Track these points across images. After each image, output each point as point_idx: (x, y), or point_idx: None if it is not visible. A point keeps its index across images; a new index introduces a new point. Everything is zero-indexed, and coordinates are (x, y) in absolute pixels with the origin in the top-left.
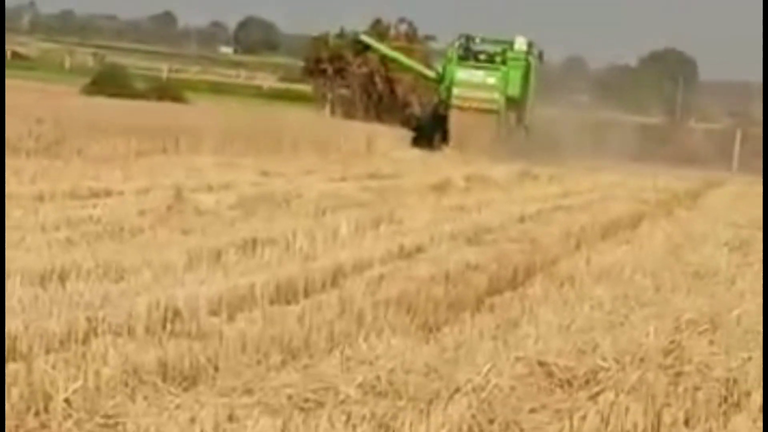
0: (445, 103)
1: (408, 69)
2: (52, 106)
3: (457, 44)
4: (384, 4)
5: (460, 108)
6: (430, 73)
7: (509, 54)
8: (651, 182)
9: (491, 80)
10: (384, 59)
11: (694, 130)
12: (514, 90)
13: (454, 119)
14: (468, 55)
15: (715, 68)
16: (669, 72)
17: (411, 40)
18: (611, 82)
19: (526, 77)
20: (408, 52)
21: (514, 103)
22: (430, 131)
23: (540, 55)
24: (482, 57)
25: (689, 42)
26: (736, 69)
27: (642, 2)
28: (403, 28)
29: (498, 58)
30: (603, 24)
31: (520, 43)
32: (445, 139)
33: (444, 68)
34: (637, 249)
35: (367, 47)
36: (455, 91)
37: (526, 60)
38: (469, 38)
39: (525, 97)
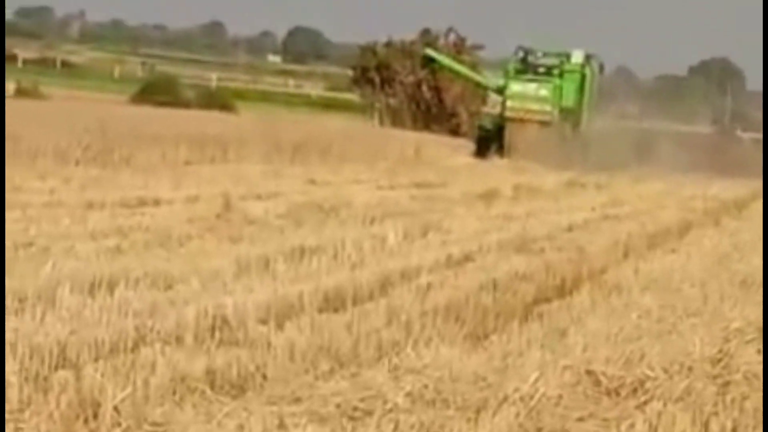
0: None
1: (471, 82)
2: (101, 115)
3: (515, 57)
4: (432, 14)
5: (514, 119)
6: (492, 85)
7: (566, 66)
8: (699, 191)
9: (543, 92)
10: (439, 70)
11: (742, 139)
12: (567, 101)
13: (510, 130)
14: (526, 68)
15: (763, 78)
16: (717, 82)
17: (459, 49)
18: (660, 91)
19: (581, 89)
20: (456, 62)
21: (570, 114)
22: (492, 142)
23: (601, 67)
24: (540, 70)
25: (738, 52)
26: None
27: (690, 12)
28: (452, 37)
29: (555, 71)
30: (652, 34)
31: (577, 56)
32: (501, 149)
33: (504, 81)
34: (685, 258)
35: (432, 60)
36: (509, 103)
37: (582, 72)
38: (528, 51)
39: (580, 108)
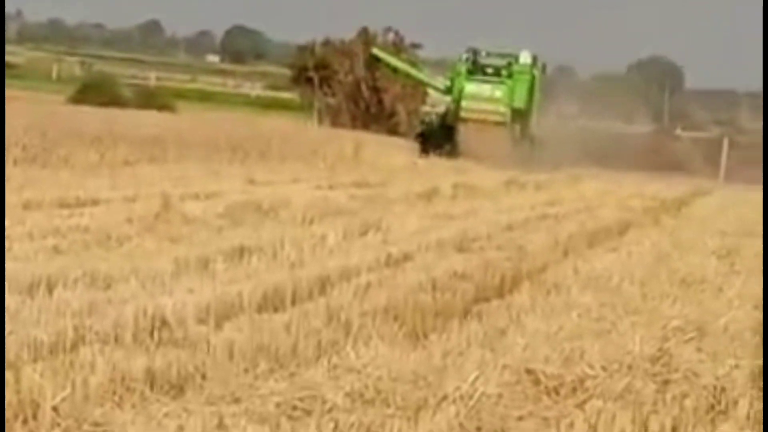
0: (454, 115)
1: (418, 82)
2: (39, 114)
3: (464, 57)
4: (370, 13)
5: (469, 120)
6: (440, 86)
7: (515, 68)
8: (638, 190)
9: (498, 93)
10: (382, 68)
11: (681, 138)
12: (519, 102)
13: (463, 131)
14: (475, 68)
15: (701, 76)
16: (656, 80)
17: (398, 48)
18: (599, 90)
19: (530, 90)
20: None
21: (520, 115)
22: (438, 141)
23: (543, 68)
24: (489, 70)
25: (676, 50)
26: (723, 77)
27: (630, 10)
28: (390, 36)
29: (504, 72)
30: (591, 32)
31: (525, 57)
32: (453, 149)
33: (452, 81)
34: (625, 257)
35: (378, 60)
36: (464, 103)
37: (531, 73)
38: (475, 52)
39: (530, 109)
